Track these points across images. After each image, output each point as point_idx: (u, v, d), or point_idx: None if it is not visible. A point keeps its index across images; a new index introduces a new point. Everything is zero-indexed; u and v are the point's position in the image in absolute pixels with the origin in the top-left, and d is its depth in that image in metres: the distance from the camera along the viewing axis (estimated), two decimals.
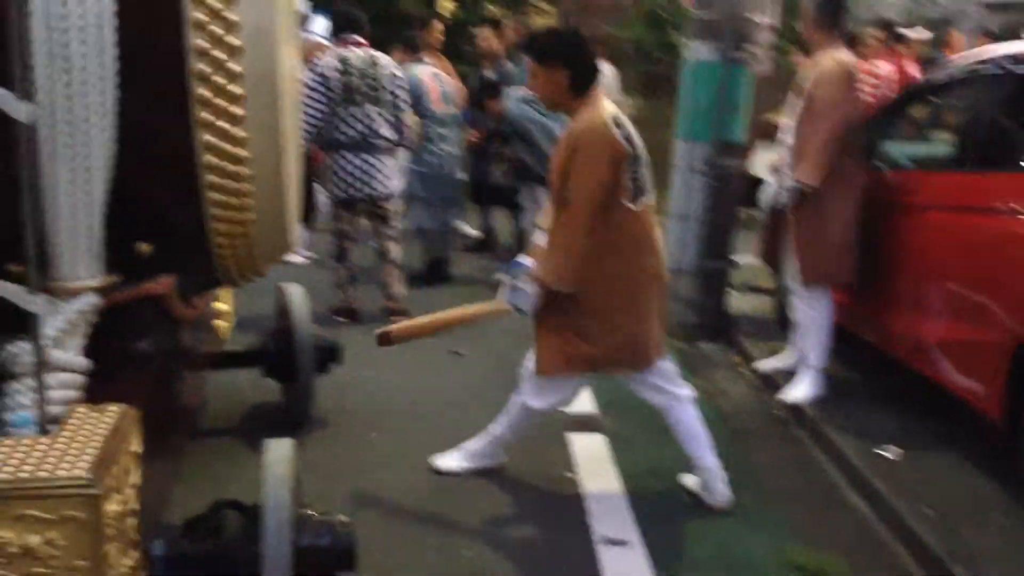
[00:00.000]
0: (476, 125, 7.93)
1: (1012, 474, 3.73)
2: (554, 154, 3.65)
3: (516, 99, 6.62)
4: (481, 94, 7.74)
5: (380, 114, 6.06)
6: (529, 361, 3.82)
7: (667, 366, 3.78)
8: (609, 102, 3.63)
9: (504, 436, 3.98)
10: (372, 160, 6.07)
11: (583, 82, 3.56)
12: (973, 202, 4.09)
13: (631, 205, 3.54)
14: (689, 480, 3.92)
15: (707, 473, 3.80)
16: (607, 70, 7.34)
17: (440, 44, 8.24)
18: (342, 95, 5.93)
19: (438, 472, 4.02)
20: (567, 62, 3.54)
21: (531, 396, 3.82)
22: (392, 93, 6.11)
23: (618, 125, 3.51)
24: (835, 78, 4.47)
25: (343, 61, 5.97)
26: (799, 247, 4.63)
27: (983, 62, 4.45)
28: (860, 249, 4.67)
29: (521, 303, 3.68)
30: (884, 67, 8.11)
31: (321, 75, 5.90)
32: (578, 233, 3.49)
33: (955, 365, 4.07)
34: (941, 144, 5.11)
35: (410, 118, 6.87)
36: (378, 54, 6.18)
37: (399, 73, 6.26)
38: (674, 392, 3.77)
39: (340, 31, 6.20)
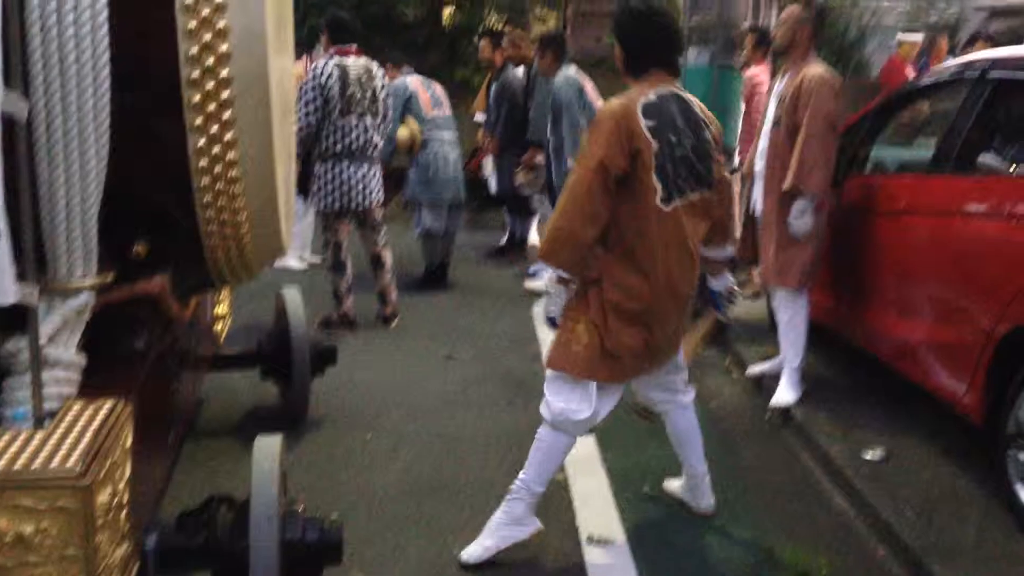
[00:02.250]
0: (493, 131, 8.00)
1: (990, 471, 3.79)
2: None
3: (566, 76, 6.65)
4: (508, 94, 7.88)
5: (374, 125, 6.12)
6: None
7: (680, 371, 3.71)
8: (665, 88, 3.38)
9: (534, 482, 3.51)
10: (369, 170, 6.13)
11: (635, 64, 3.43)
12: (951, 205, 4.16)
13: (661, 206, 3.27)
14: (674, 484, 3.98)
15: (696, 479, 3.84)
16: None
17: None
18: (340, 105, 5.94)
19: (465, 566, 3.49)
20: (622, 40, 3.48)
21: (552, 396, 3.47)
22: (384, 104, 6.19)
23: (651, 114, 3.26)
24: (830, 92, 4.53)
25: (342, 69, 5.98)
26: (773, 250, 4.72)
27: (965, 67, 4.52)
28: (844, 252, 4.76)
29: (552, 311, 3.44)
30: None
31: (319, 84, 5.89)
32: (574, 212, 3.22)
33: (935, 366, 4.14)
34: (923, 148, 5.18)
35: (412, 124, 7.01)
36: (372, 63, 6.25)
37: (385, 82, 6.33)
38: (678, 398, 3.73)
39: (337, 40, 6.12)
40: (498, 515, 3.48)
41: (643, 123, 3.23)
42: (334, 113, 5.92)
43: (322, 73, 5.91)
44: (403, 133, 7.02)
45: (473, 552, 3.44)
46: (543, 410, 3.47)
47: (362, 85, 6.03)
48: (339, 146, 5.99)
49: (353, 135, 6.00)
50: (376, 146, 6.16)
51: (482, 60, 8.21)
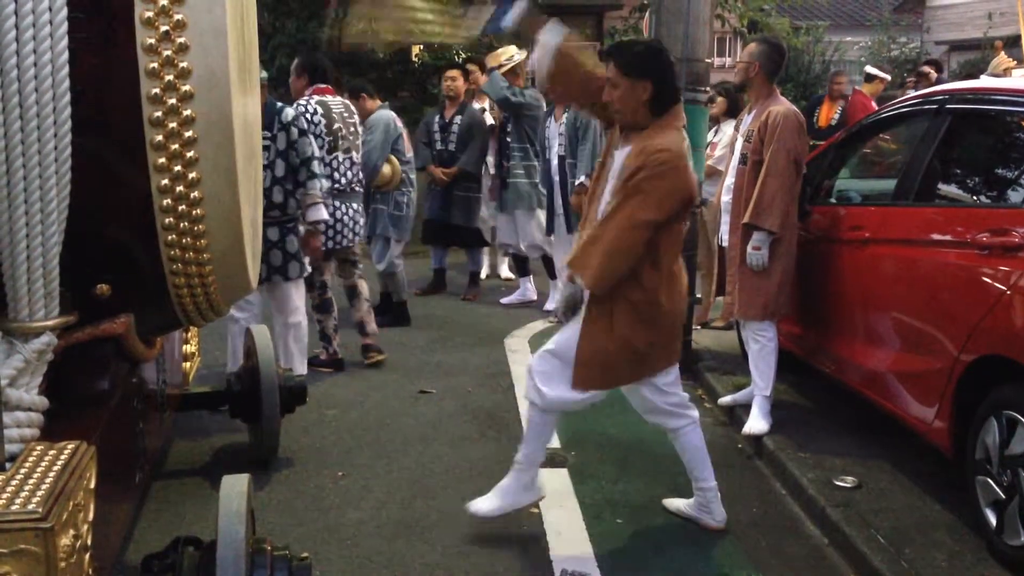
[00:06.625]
0: (447, 164, 8.05)
1: (961, 498, 3.81)
2: (624, 159, 3.56)
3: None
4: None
5: (355, 161, 6.14)
6: (537, 360, 3.73)
7: (682, 391, 3.87)
8: (680, 132, 3.61)
9: (535, 455, 3.83)
10: (357, 207, 6.12)
11: (664, 102, 3.56)
12: (914, 234, 4.22)
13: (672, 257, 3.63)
14: (679, 503, 4.05)
15: (709, 494, 3.93)
16: None
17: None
18: (329, 142, 5.94)
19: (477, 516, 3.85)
20: (654, 78, 3.52)
21: (545, 385, 3.67)
22: (360, 140, 6.22)
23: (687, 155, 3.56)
24: (794, 128, 4.63)
25: (325, 107, 6.00)
26: (739, 283, 4.78)
27: (923, 100, 4.60)
28: (813, 281, 4.82)
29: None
30: None
31: (308, 121, 5.81)
32: (628, 248, 3.45)
33: (903, 394, 4.16)
34: (887, 179, 5.24)
35: (395, 162, 7.04)
36: (347, 101, 6.29)
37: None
38: (690, 414, 3.86)
39: (315, 81, 6.14)
40: (508, 481, 3.82)
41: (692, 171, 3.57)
42: (322, 151, 5.89)
43: (306, 111, 5.89)
44: (387, 170, 7.04)
45: (483, 507, 3.81)
46: (533, 396, 3.70)
47: (344, 122, 6.08)
48: (334, 183, 5.94)
49: (341, 170, 6.00)
50: (360, 182, 6.14)
51: (447, 93, 8.21)
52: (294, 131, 5.15)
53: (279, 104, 5.20)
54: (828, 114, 10.31)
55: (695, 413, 3.89)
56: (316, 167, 5.22)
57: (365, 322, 6.35)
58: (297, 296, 5.39)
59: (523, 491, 3.84)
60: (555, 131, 7.35)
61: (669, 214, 3.46)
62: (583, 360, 3.60)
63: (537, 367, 3.70)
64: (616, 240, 3.44)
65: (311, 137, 5.30)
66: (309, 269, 5.56)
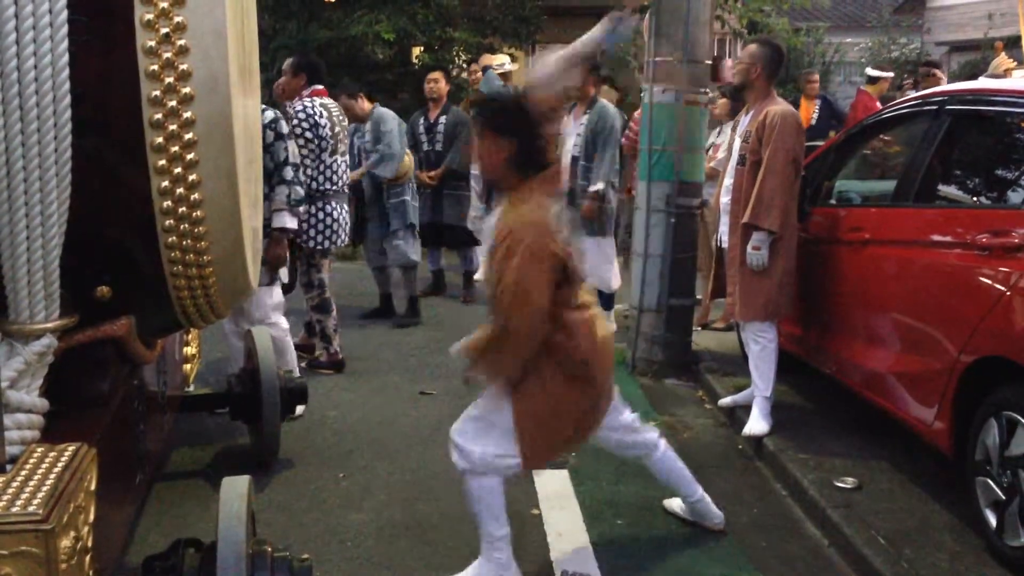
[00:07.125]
0: (435, 164, 8.08)
1: (961, 498, 3.82)
2: (492, 247, 3.27)
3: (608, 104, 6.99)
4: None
5: (347, 162, 6.19)
6: (458, 424, 3.44)
7: (627, 417, 3.70)
8: (549, 200, 3.25)
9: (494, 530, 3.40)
10: (348, 208, 6.21)
11: (528, 164, 3.22)
12: (914, 236, 4.22)
13: (572, 309, 3.30)
14: (678, 505, 4.05)
15: (699, 504, 3.93)
16: None
17: None
18: (331, 144, 5.97)
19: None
20: (517, 137, 3.20)
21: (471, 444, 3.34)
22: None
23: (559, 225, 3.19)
24: (792, 129, 4.63)
25: (327, 110, 6.03)
26: (739, 284, 4.79)
27: (923, 101, 4.61)
28: (813, 282, 4.82)
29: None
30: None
31: (314, 124, 5.87)
32: (529, 338, 3.18)
33: (903, 395, 4.16)
34: (887, 180, 5.26)
35: (409, 156, 7.16)
36: (337, 103, 6.34)
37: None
38: (643, 440, 3.75)
39: (314, 81, 6.14)
40: (479, 568, 3.40)
41: (559, 238, 3.17)
42: (325, 153, 5.93)
43: (315, 113, 5.91)
44: (407, 159, 7.13)
45: None
46: (459, 461, 3.34)
47: (340, 124, 6.11)
48: (328, 184, 5.97)
49: (339, 173, 6.04)
50: (346, 183, 6.21)
51: (430, 95, 8.25)
52: (270, 134, 4.92)
53: (260, 105, 5.17)
54: (806, 115, 10.30)
55: (652, 435, 3.76)
56: (287, 173, 5.01)
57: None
58: (269, 302, 5.25)
59: (501, 571, 3.40)
60: (572, 128, 6.96)
61: (550, 283, 3.15)
62: (528, 433, 3.27)
63: (458, 429, 3.39)
64: (515, 341, 3.19)
65: (287, 142, 5.09)
66: (285, 279, 5.43)
